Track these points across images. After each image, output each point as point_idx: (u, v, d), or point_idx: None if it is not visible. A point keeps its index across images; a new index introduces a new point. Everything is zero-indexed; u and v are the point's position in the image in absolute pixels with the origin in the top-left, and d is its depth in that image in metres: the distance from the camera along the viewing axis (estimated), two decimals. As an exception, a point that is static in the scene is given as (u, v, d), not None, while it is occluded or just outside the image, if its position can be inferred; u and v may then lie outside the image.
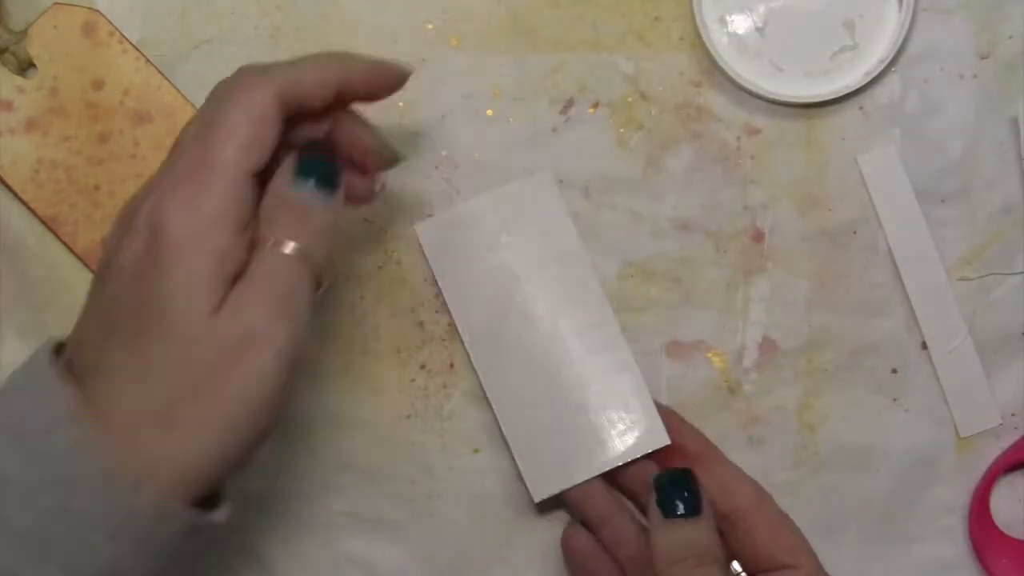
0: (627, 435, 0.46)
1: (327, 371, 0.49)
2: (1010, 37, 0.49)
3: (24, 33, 0.48)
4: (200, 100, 0.48)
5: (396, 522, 0.49)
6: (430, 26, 0.49)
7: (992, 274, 0.49)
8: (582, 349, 0.47)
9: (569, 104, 0.49)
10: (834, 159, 0.49)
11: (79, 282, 0.49)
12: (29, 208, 0.48)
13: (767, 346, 0.49)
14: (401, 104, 0.49)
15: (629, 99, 0.49)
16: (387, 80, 0.41)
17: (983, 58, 0.49)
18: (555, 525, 0.49)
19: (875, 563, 0.49)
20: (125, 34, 0.48)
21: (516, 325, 0.47)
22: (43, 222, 0.48)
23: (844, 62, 0.49)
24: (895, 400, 0.49)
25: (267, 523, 0.48)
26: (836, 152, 0.49)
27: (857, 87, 0.48)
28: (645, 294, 0.49)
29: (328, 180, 0.38)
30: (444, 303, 0.49)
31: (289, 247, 0.36)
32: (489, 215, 0.48)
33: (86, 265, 0.48)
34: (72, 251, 0.48)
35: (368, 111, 0.49)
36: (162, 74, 0.48)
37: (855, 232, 0.49)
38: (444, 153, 0.49)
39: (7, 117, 0.48)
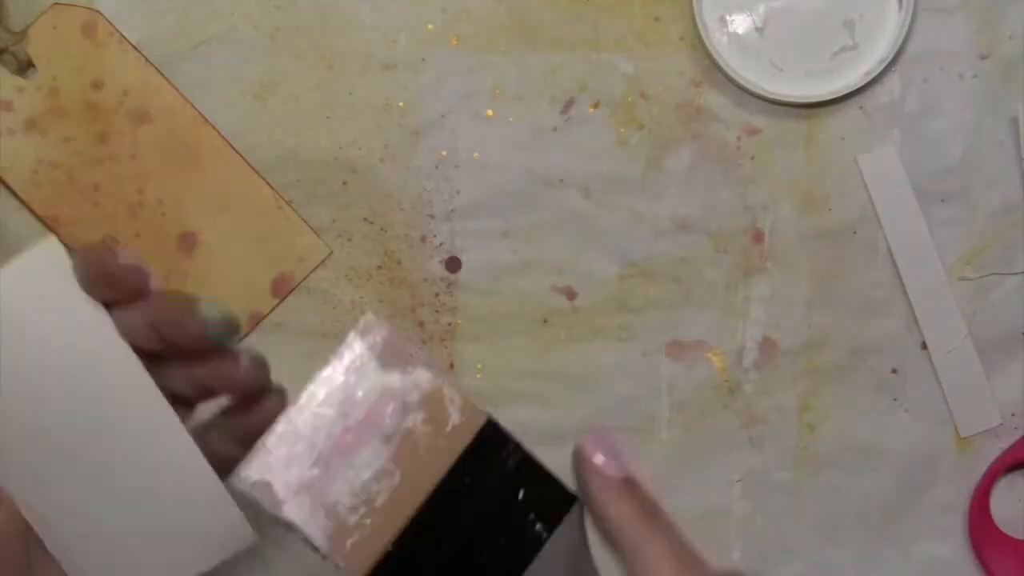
0: (209, 538, 0.37)
1: (327, 371, 0.49)
2: (1010, 37, 0.49)
3: (24, 33, 0.48)
4: (200, 99, 0.49)
5: (396, 522, 0.49)
6: (430, 26, 0.49)
7: (992, 274, 0.49)
8: (138, 448, 0.36)
9: (569, 104, 0.49)
10: (834, 159, 0.49)
11: (79, 282, 0.49)
12: (29, 208, 0.48)
13: (767, 346, 0.49)
14: (401, 104, 0.49)
15: (629, 99, 0.49)
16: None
17: (983, 58, 0.49)
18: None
19: (875, 563, 0.49)
20: (125, 34, 0.48)
21: (55, 436, 0.36)
22: (43, 222, 0.48)
23: (844, 62, 0.49)
24: (895, 400, 0.49)
25: (267, 523, 0.48)
26: (836, 152, 0.49)
27: (857, 87, 0.48)
28: (645, 294, 0.49)
29: None
30: (443, 303, 0.49)
31: None
32: None
33: None
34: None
35: (369, 112, 0.49)
36: (162, 74, 0.48)
37: (855, 232, 0.49)
38: (444, 153, 0.49)
39: (7, 118, 0.48)
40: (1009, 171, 0.49)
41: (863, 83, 0.48)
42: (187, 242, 0.49)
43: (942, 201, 0.49)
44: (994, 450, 0.49)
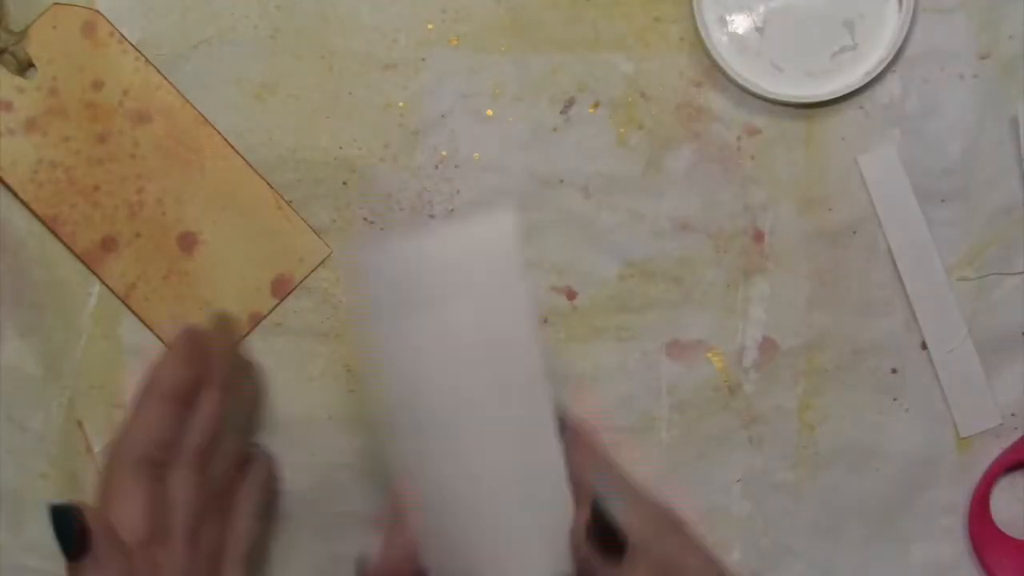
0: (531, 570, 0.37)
1: (327, 371, 0.49)
2: (1010, 37, 0.49)
3: (23, 33, 0.48)
4: (200, 99, 0.49)
5: (396, 522, 0.49)
6: (430, 26, 0.49)
7: (992, 274, 0.49)
8: (511, 454, 0.36)
9: (569, 104, 0.49)
10: (834, 159, 0.49)
11: (79, 282, 0.49)
12: (29, 208, 0.48)
13: (767, 346, 0.49)
14: (401, 104, 0.49)
15: (629, 99, 0.49)
16: None
17: (983, 58, 0.49)
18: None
19: (875, 563, 0.49)
20: (125, 34, 0.48)
21: (440, 407, 0.36)
22: (43, 222, 0.48)
23: (844, 62, 0.49)
24: (895, 400, 0.49)
25: (267, 523, 0.48)
26: (836, 152, 0.49)
27: (857, 87, 0.48)
28: (645, 294, 0.49)
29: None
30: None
31: None
32: (434, 261, 0.36)
33: (86, 265, 0.48)
34: (72, 251, 0.48)
35: (369, 112, 0.49)
36: (161, 74, 0.48)
37: (855, 232, 0.49)
38: (444, 153, 0.49)
39: (6, 118, 0.48)
40: (1009, 171, 0.49)
41: (863, 83, 0.48)
42: (187, 242, 0.49)
43: (942, 201, 0.49)
44: (994, 450, 0.49)
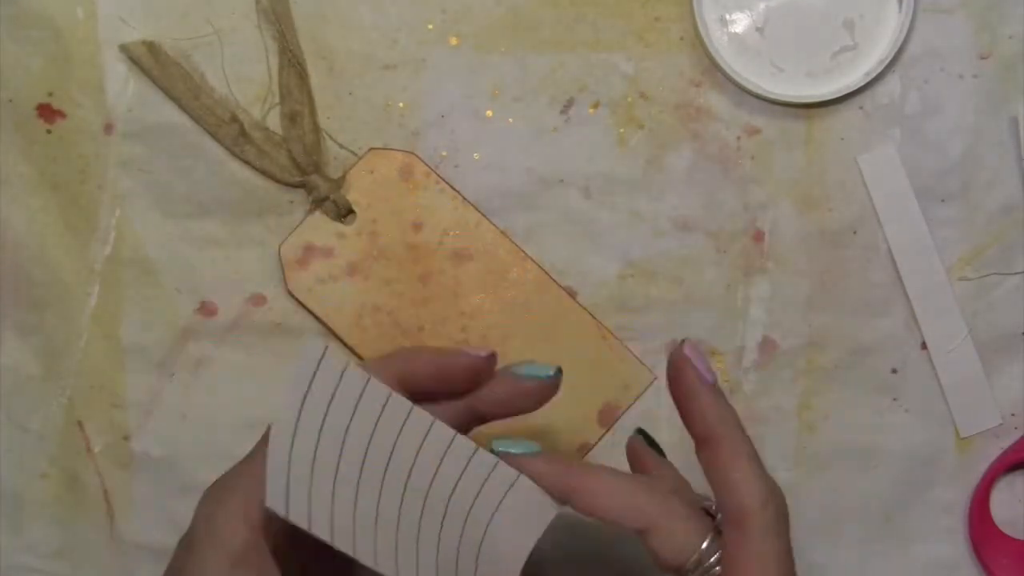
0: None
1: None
2: (1010, 37, 0.49)
3: (342, 180, 0.48)
4: (200, 100, 0.48)
5: (396, 522, 0.49)
6: (430, 26, 0.49)
7: (992, 274, 0.49)
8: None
9: (569, 104, 0.49)
10: (834, 159, 0.49)
11: (79, 282, 0.49)
12: (354, 352, 0.48)
13: (767, 346, 0.49)
14: (401, 104, 0.49)
15: (629, 99, 0.49)
16: (457, 371, 0.37)
17: (983, 58, 0.49)
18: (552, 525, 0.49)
19: (875, 563, 0.49)
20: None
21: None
22: None
23: (844, 62, 0.49)
24: (895, 400, 0.50)
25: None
26: (836, 152, 0.49)
27: (857, 87, 0.48)
28: (645, 294, 0.49)
29: None
30: None
31: None
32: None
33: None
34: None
35: (369, 112, 0.49)
36: (480, 212, 0.48)
37: (855, 232, 0.49)
38: (444, 153, 0.49)
39: (329, 264, 0.48)
40: (1009, 171, 0.49)
41: (863, 83, 0.48)
42: None
43: (942, 201, 0.49)
44: (994, 450, 0.49)
